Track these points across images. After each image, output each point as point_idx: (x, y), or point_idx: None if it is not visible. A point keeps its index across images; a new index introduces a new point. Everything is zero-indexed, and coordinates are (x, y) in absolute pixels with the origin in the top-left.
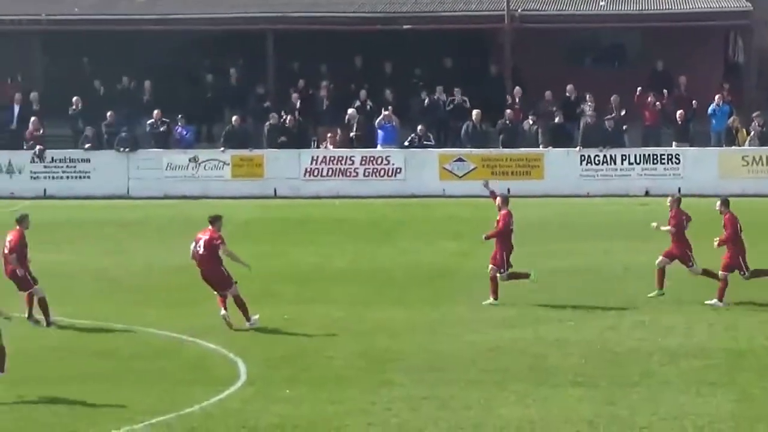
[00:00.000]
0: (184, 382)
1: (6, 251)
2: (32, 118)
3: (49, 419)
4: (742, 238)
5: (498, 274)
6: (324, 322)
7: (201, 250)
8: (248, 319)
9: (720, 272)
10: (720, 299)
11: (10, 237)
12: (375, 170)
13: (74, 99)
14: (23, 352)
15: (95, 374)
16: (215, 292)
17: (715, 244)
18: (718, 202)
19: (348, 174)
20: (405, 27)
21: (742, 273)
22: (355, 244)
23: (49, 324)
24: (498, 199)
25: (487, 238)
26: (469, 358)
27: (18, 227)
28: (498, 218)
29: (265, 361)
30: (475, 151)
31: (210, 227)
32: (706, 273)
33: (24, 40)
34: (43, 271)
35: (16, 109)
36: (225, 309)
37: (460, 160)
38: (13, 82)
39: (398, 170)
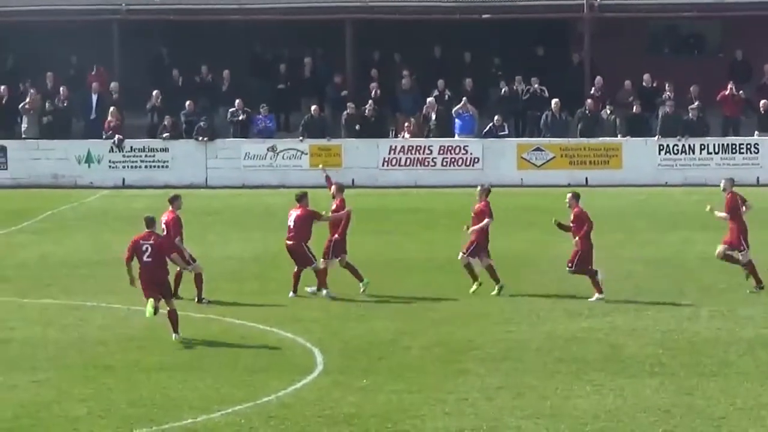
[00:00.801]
0: (260, 371)
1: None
2: (111, 108)
3: (127, 409)
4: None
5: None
6: (399, 311)
7: (292, 225)
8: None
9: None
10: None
11: (164, 218)
12: (453, 160)
13: (154, 93)
14: (102, 342)
15: (172, 364)
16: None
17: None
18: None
19: (426, 163)
20: (484, 16)
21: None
22: (433, 233)
23: (200, 301)
24: (333, 187)
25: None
26: (545, 347)
27: (170, 208)
28: (334, 206)
29: (342, 350)
30: (553, 140)
31: (298, 204)
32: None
33: (104, 30)
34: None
35: (94, 98)
36: (295, 290)
37: (538, 149)
38: (93, 72)
39: (476, 160)
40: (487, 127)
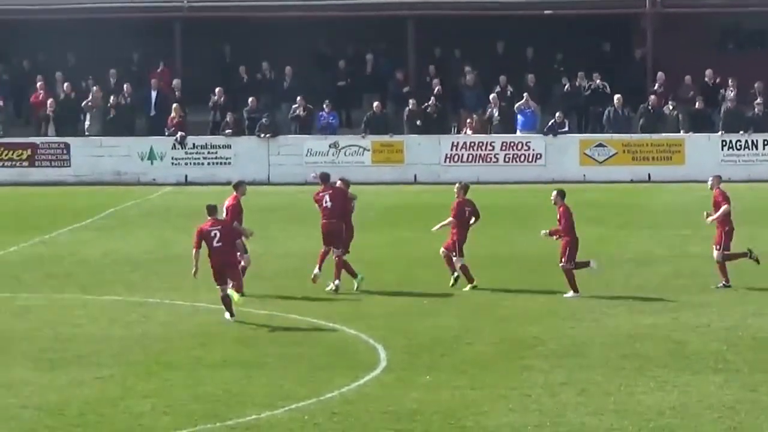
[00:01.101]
0: (324, 367)
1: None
2: (174, 105)
3: (190, 405)
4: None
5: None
6: (463, 307)
7: (329, 204)
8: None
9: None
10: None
11: (227, 203)
12: (515, 156)
13: (217, 90)
14: (165, 338)
15: (236, 360)
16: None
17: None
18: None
19: (488, 160)
20: (546, 12)
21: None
22: (495, 229)
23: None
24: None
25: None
26: (608, 343)
27: (234, 193)
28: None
29: (405, 346)
30: (615, 136)
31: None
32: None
33: (166, 27)
34: (186, 257)
35: (154, 95)
36: (320, 267)
37: (600, 145)
38: (159, 69)
39: (538, 156)
40: (549, 124)
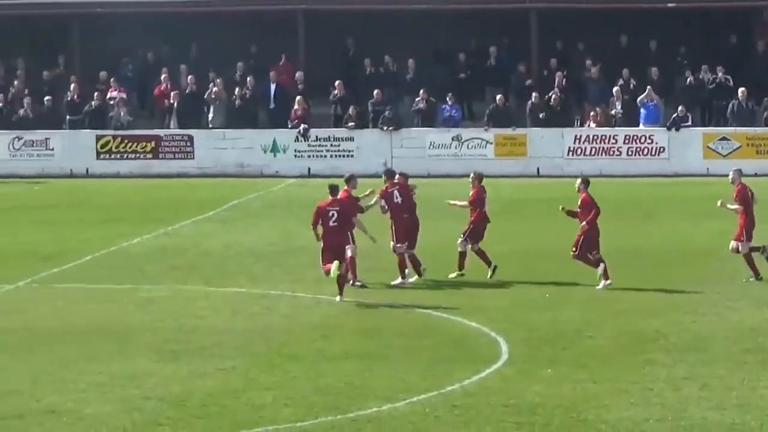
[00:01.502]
0: (445, 360)
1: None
2: (297, 98)
3: (312, 397)
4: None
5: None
6: (584, 300)
7: (400, 200)
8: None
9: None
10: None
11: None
12: (638, 149)
13: (337, 83)
14: (287, 330)
15: (357, 352)
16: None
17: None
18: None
19: (611, 153)
20: (670, 5)
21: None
22: (618, 223)
23: (355, 283)
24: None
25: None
26: (731, 338)
27: (346, 187)
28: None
29: (526, 339)
30: (739, 129)
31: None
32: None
33: (289, 19)
34: (308, 249)
35: (273, 88)
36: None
37: (724, 138)
38: (275, 62)
39: (662, 149)
40: (672, 117)
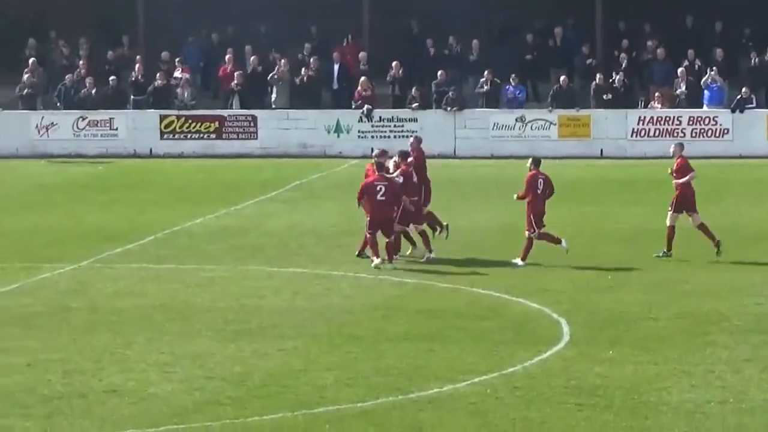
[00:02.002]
0: (506, 341)
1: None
2: (362, 78)
3: (373, 377)
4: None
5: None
6: (647, 282)
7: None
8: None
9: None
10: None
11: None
12: (702, 131)
13: (394, 63)
14: (348, 311)
15: (418, 333)
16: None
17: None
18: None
19: (675, 134)
20: None
21: None
22: None
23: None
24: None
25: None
26: None
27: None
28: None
29: (588, 321)
30: None
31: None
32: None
33: (353, 0)
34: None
35: (336, 68)
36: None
37: None
38: (339, 42)
39: (725, 131)
40: (736, 99)
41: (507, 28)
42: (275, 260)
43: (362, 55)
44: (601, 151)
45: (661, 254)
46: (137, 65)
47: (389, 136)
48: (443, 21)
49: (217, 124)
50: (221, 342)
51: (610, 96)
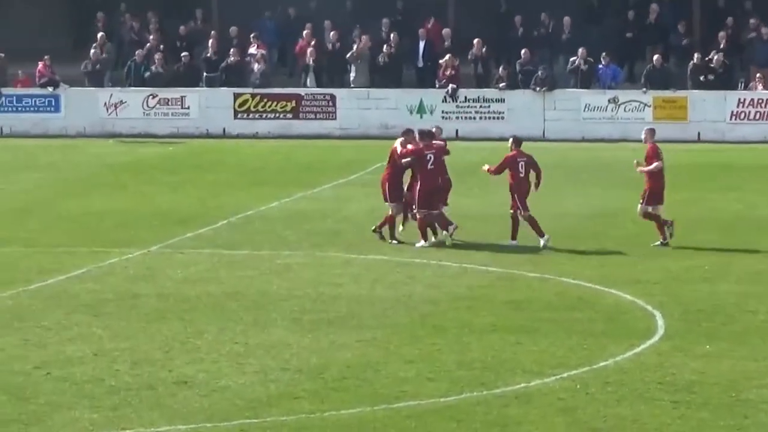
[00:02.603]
0: (597, 334)
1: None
2: (447, 56)
3: (456, 371)
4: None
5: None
6: (747, 273)
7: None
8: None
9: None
10: None
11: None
12: None
13: (475, 41)
14: (431, 300)
15: (505, 325)
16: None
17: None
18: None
19: None
20: None
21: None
22: None
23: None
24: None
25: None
26: None
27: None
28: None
29: (684, 314)
30: None
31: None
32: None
33: None
34: (456, 216)
35: (421, 45)
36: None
37: None
38: (430, 25)
39: None
40: None
41: (601, 4)
42: (354, 246)
43: (446, 31)
44: (699, 134)
45: (658, 244)
46: (210, 41)
47: (474, 117)
48: None
49: (293, 103)
50: (297, 332)
51: (711, 76)
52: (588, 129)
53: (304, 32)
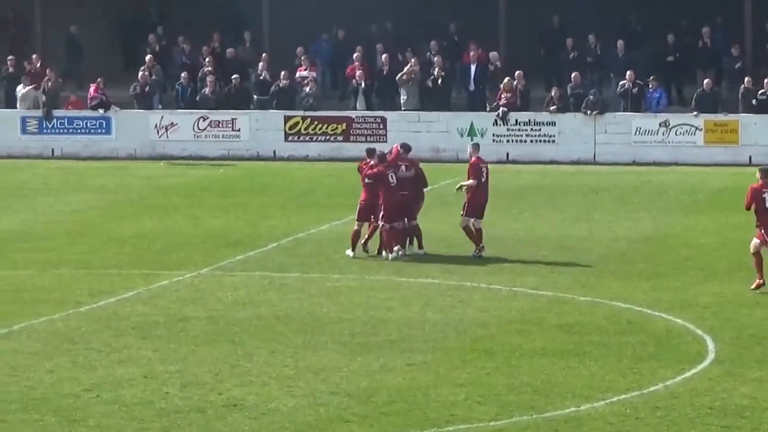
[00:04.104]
0: (648, 358)
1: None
2: (506, 79)
3: (507, 395)
4: None
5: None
6: None
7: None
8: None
9: None
10: None
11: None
12: None
13: (517, 74)
14: (481, 324)
15: (555, 348)
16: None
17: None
18: None
19: None
20: None
21: None
22: None
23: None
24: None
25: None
26: None
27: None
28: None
29: (735, 338)
30: None
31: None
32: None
33: None
34: (505, 239)
35: (473, 69)
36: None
37: None
38: (477, 50)
39: None
40: None
41: (649, 27)
42: (404, 270)
43: (494, 54)
44: (750, 158)
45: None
46: (261, 63)
47: (525, 141)
48: (585, 18)
49: (344, 125)
50: (347, 355)
51: (757, 100)
52: (639, 152)
53: (355, 54)
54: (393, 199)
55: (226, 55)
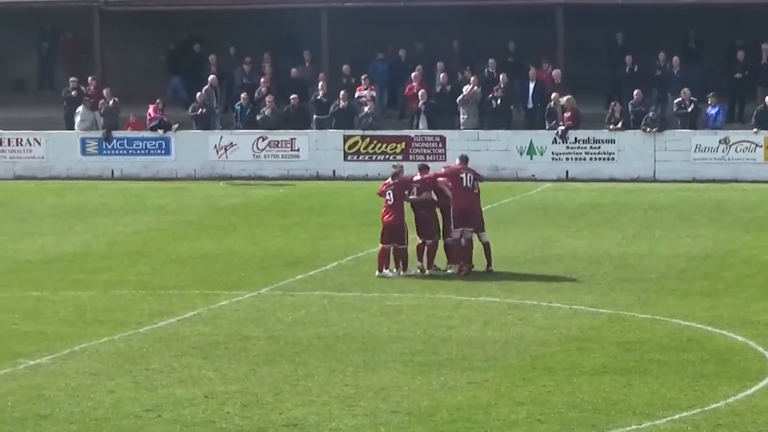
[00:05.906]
0: (708, 375)
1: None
2: (567, 97)
3: (567, 413)
4: None
5: None
6: None
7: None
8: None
9: None
10: None
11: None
12: None
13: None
14: (542, 342)
15: (615, 366)
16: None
17: None
18: None
19: None
20: None
21: None
22: None
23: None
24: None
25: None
26: None
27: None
28: None
29: None
30: None
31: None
32: None
33: (548, 14)
34: (565, 257)
35: (531, 87)
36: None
37: None
38: (536, 59)
39: None
40: None
41: (707, 44)
42: (465, 289)
43: (556, 72)
44: None
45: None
46: (320, 83)
47: (585, 159)
48: (650, 35)
49: (403, 144)
50: (408, 374)
51: None
52: (698, 170)
53: (413, 74)
54: (384, 220)
55: (287, 75)
